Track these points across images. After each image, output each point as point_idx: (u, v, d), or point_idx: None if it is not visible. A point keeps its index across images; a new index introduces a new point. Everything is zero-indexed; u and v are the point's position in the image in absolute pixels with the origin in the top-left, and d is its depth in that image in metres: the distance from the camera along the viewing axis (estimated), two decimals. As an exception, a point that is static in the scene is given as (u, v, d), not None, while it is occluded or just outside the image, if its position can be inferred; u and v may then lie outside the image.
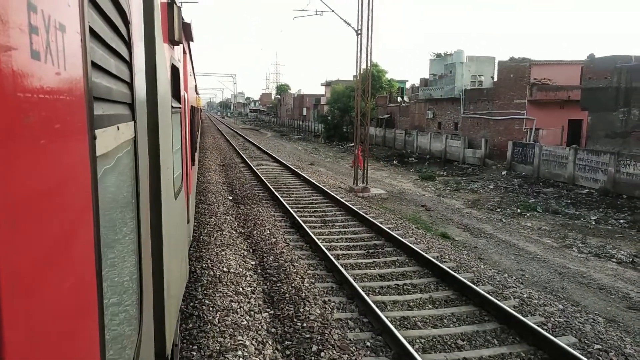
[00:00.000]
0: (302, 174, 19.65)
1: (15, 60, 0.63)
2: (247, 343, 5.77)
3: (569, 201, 18.00)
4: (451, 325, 6.71)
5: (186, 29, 5.12)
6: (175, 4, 3.47)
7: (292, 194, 15.92)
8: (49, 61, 0.76)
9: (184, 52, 5.42)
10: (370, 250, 9.93)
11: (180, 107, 4.32)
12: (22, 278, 0.68)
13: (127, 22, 1.61)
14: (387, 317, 6.42)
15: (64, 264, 0.87)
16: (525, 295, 7.72)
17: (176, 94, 4.01)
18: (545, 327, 6.54)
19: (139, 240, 1.85)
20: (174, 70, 3.85)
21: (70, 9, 0.88)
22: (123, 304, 1.62)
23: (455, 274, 8.05)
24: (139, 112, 1.83)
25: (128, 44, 1.65)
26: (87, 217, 0.99)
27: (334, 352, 5.74)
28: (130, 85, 1.68)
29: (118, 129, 1.40)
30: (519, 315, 6.52)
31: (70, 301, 0.90)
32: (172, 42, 3.45)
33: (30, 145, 0.70)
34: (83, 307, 0.98)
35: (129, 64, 1.66)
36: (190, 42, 6.88)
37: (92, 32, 1.09)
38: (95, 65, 1.11)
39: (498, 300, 7.14)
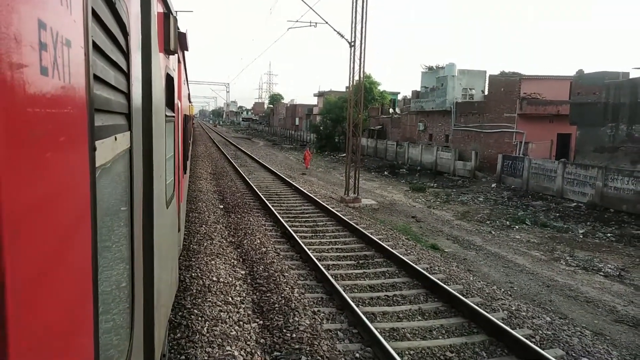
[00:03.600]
0: (293, 183, 19.66)
1: (26, 76, 0.66)
2: (236, 353, 5.73)
3: (558, 214, 18.17)
4: (440, 337, 6.73)
5: (181, 38, 5.15)
6: (172, 15, 3.50)
7: (284, 203, 15.91)
8: (56, 76, 0.78)
9: (179, 61, 5.44)
10: (361, 261, 9.94)
11: (174, 116, 4.34)
12: (25, 284, 0.70)
13: (126, 34, 1.63)
14: (376, 328, 6.43)
15: (62, 273, 0.88)
16: (513, 308, 7.76)
17: (170, 103, 4.03)
18: (534, 340, 6.58)
19: (132, 249, 1.85)
20: (169, 80, 3.87)
21: (75, 24, 0.90)
22: (115, 313, 1.62)
23: (445, 286, 8.08)
24: (134, 122, 1.85)
25: (126, 55, 1.67)
26: (85, 228, 1.01)
27: (323, 363, 5.72)
28: (127, 95, 1.70)
29: (115, 139, 1.42)
30: (508, 328, 6.55)
31: (66, 309, 0.91)
32: (168, 52, 3.48)
33: (36, 158, 0.72)
34: (79, 314, 1.00)
35: (127, 75, 1.68)
36: (185, 52, 6.90)
37: (95, 46, 1.11)
38: (96, 77, 1.13)
39: (487, 312, 7.17)
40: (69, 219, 0.91)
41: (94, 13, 1.10)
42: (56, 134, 0.80)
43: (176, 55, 4.59)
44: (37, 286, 0.75)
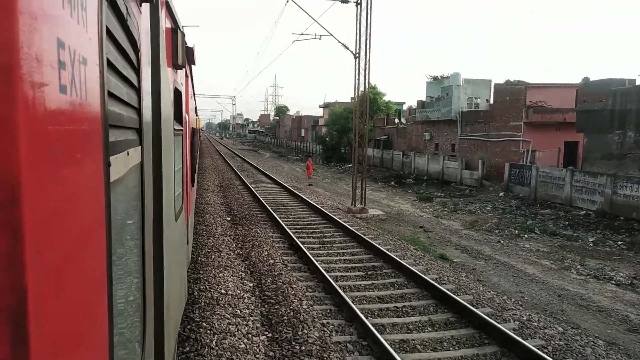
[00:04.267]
0: (300, 194, 19.67)
1: (46, 95, 0.67)
2: (245, 366, 5.71)
3: (567, 222, 18.02)
4: (451, 348, 6.66)
5: (189, 53, 5.21)
6: (180, 30, 3.55)
7: (291, 214, 15.90)
8: (73, 94, 0.80)
9: (186, 75, 5.50)
10: (369, 272, 9.89)
11: (182, 130, 4.38)
12: (44, 294, 0.71)
13: (137, 50, 1.66)
14: (386, 340, 6.37)
15: (78, 284, 0.89)
16: (525, 318, 7.67)
17: (178, 117, 4.06)
18: (546, 351, 6.49)
19: (143, 262, 1.86)
20: (177, 94, 3.91)
21: (91, 42, 0.92)
22: (126, 326, 1.63)
23: (455, 296, 8.01)
24: (145, 136, 1.87)
25: (137, 71, 1.69)
26: (100, 242, 1.02)
27: (333, 375, 5.67)
28: (138, 110, 1.72)
29: (128, 154, 1.44)
30: (520, 338, 6.47)
31: (83, 319, 0.92)
32: (176, 67, 3.51)
33: (55, 174, 0.74)
34: (94, 325, 1.00)
35: (138, 90, 1.71)
36: (192, 66, 6.97)
37: (109, 63, 1.13)
38: (110, 94, 1.15)
39: (498, 322, 7.09)
40: (85, 233, 0.92)
41: (108, 31, 1.12)
42: (73, 151, 0.82)
43: (184, 69, 4.64)
44: (55, 297, 0.76)
